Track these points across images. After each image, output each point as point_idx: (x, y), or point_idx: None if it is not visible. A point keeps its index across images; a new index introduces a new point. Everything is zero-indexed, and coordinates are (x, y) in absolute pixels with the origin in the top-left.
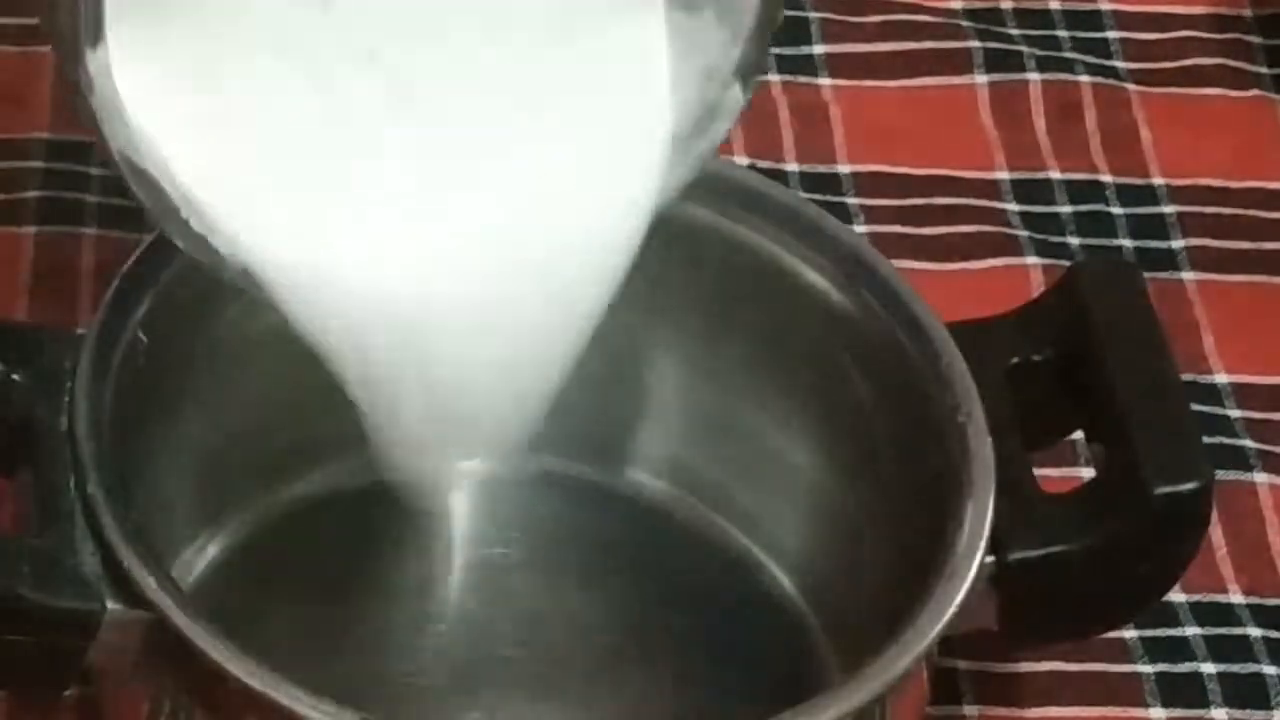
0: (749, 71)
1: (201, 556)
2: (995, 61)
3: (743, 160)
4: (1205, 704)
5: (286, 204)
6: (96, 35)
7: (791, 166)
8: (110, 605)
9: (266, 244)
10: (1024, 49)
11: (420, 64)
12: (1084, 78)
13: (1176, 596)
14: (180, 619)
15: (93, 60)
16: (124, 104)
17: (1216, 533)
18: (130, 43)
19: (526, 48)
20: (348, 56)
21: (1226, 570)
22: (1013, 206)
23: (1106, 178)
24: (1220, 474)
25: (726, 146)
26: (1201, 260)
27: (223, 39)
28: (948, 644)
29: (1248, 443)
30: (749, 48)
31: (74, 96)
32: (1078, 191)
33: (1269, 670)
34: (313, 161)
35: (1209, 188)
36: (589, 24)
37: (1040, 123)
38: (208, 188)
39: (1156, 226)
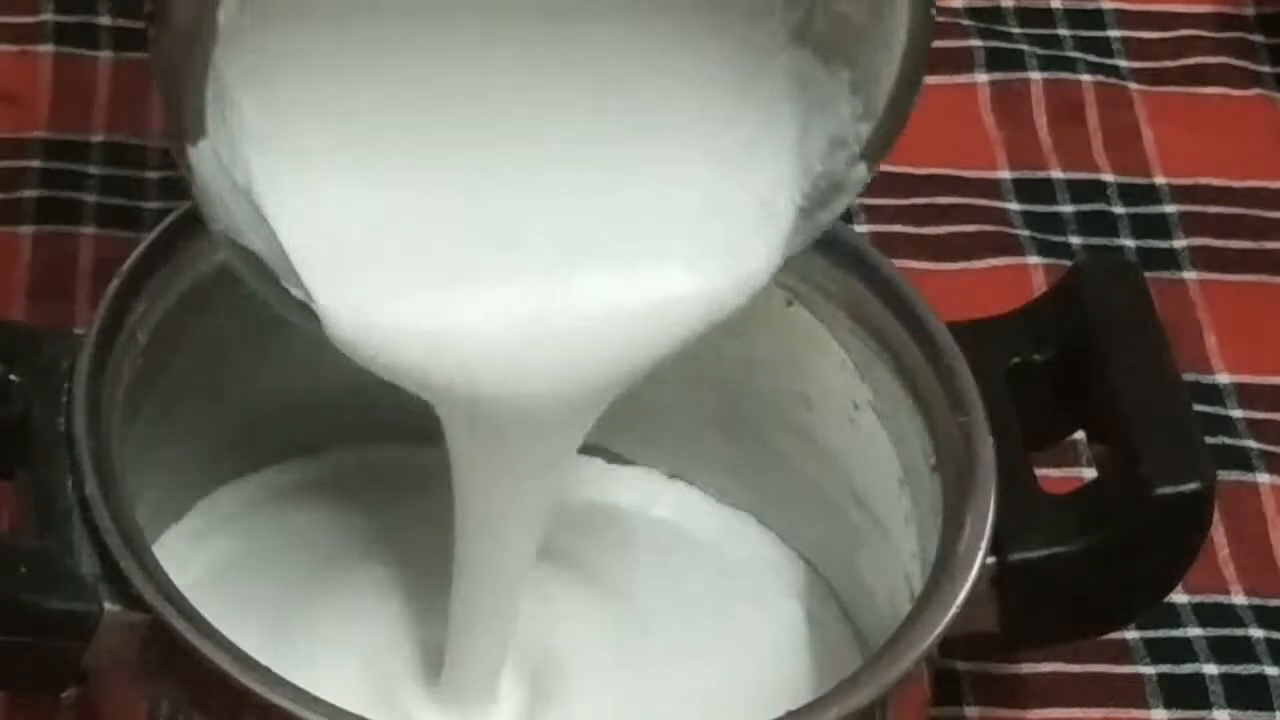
0: (878, 155)
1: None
2: (997, 60)
3: None
4: (1207, 705)
5: (396, 278)
6: (198, 134)
7: None
8: (108, 606)
9: (374, 315)
10: (1025, 48)
11: (541, 142)
12: (1086, 77)
13: (1178, 597)
14: (178, 620)
15: (194, 154)
16: (230, 189)
17: (1218, 533)
18: (259, 131)
19: (653, 131)
20: (466, 140)
21: (1229, 571)
22: (1014, 206)
23: (1108, 177)
24: (1222, 474)
25: None
26: (1203, 260)
27: (345, 126)
28: (949, 645)
29: (1250, 443)
30: (881, 131)
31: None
32: (1079, 191)
33: (1271, 671)
34: (427, 241)
35: (1211, 187)
36: (722, 110)
37: (1042, 122)
38: (318, 264)
39: (1158, 226)
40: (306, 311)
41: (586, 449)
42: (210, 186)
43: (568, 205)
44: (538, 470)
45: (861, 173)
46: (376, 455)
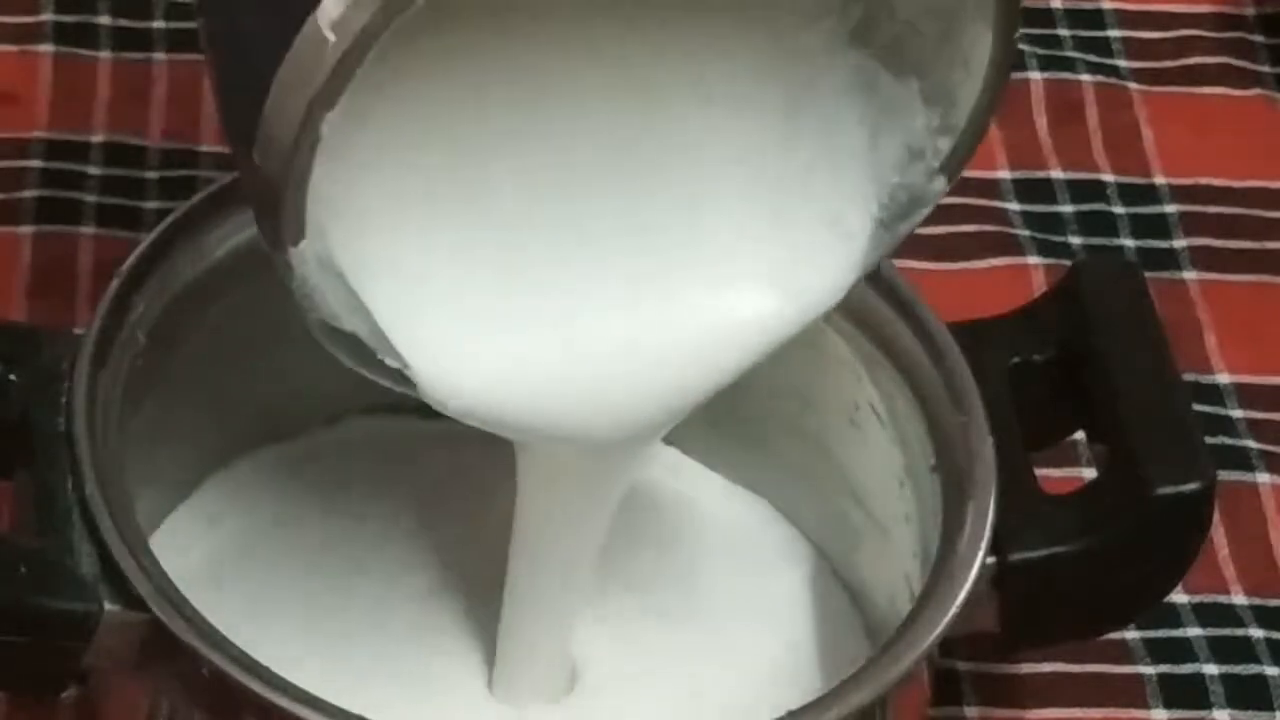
0: (958, 169)
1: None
2: None
3: None
4: (1207, 705)
5: (482, 332)
6: (298, 238)
7: None
8: (108, 606)
9: (466, 373)
10: (1025, 48)
11: (602, 178)
12: (1085, 77)
13: (1178, 597)
14: (178, 621)
15: (294, 254)
16: (329, 279)
17: (1218, 533)
18: (335, 203)
19: (711, 156)
20: (532, 182)
21: (1229, 571)
22: (1014, 206)
23: (1108, 177)
24: (1222, 474)
25: None
26: (1203, 260)
27: (411, 184)
28: (949, 644)
29: (1250, 443)
30: (960, 146)
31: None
32: (1079, 191)
33: (1271, 671)
34: (507, 290)
35: (1211, 187)
36: (779, 129)
37: (1042, 122)
38: (408, 330)
39: (1158, 226)
40: (402, 378)
41: None
42: (309, 279)
43: (633, 238)
44: (604, 490)
45: (941, 185)
46: (389, 425)
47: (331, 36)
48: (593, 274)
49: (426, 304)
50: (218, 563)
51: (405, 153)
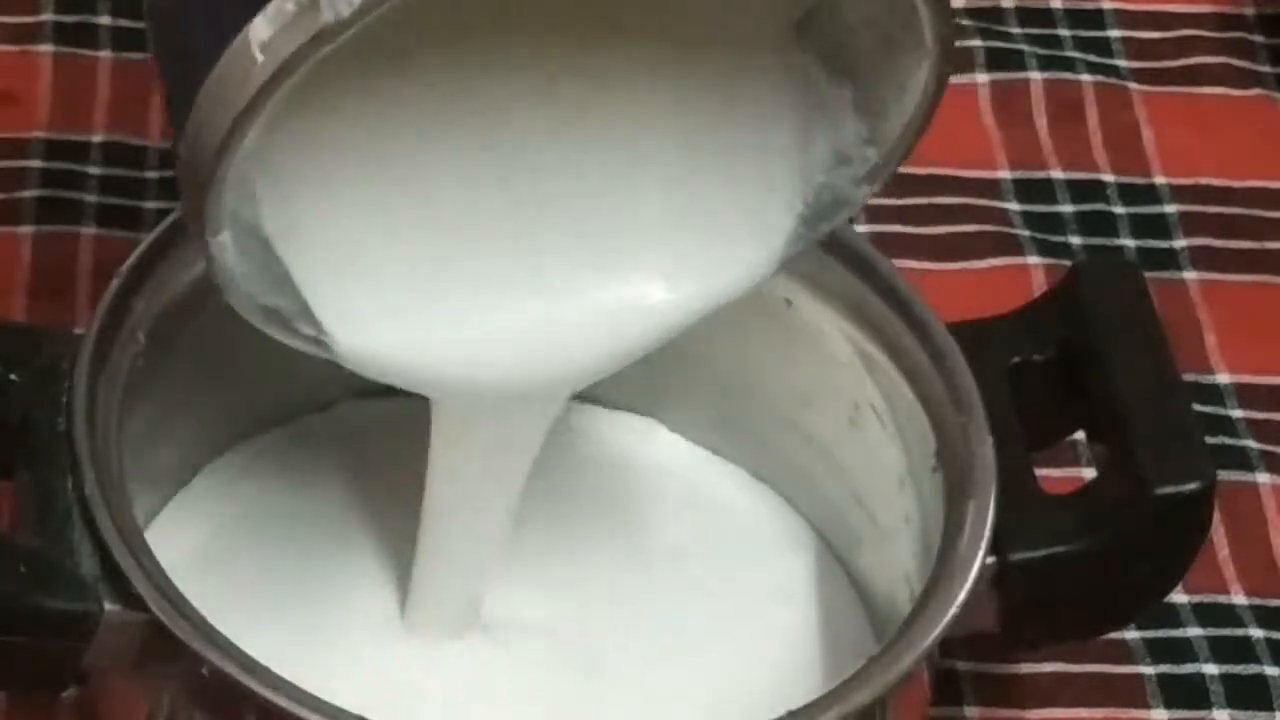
0: (881, 180)
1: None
2: (997, 60)
3: None
4: (1207, 705)
5: (397, 300)
6: (217, 230)
7: None
8: (108, 606)
9: (378, 337)
10: (1025, 48)
11: (528, 156)
12: (1086, 77)
13: (1178, 597)
14: (178, 621)
15: (213, 244)
16: (246, 261)
17: (1218, 533)
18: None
19: (641, 138)
20: (458, 157)
21: (1228, 571)
22: (1014, 206)
23: (1108, 177)
24: (1222, 474)
25: None
26: (1203, 260)
27: (345, 154)
28: (949, 644)
29: (1250, 443)
30: (886, 161)
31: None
32: (1079, 191)
33: (1271, 671)
34: (424, 260)
35: (1211, 187)
36: (713, 116)
37: (1042, 122)
38: (328, 296)
39: (1158, 226)
40: (318, 343)
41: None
42: (230, 269)
43: (558, 218)
44: (510, 448)
45: (865, 192)
46: (388, 408)
47: (260, 57)
48: (514, 251)
49: (349, 270)
50: (212, 550)
51: (339, 128)
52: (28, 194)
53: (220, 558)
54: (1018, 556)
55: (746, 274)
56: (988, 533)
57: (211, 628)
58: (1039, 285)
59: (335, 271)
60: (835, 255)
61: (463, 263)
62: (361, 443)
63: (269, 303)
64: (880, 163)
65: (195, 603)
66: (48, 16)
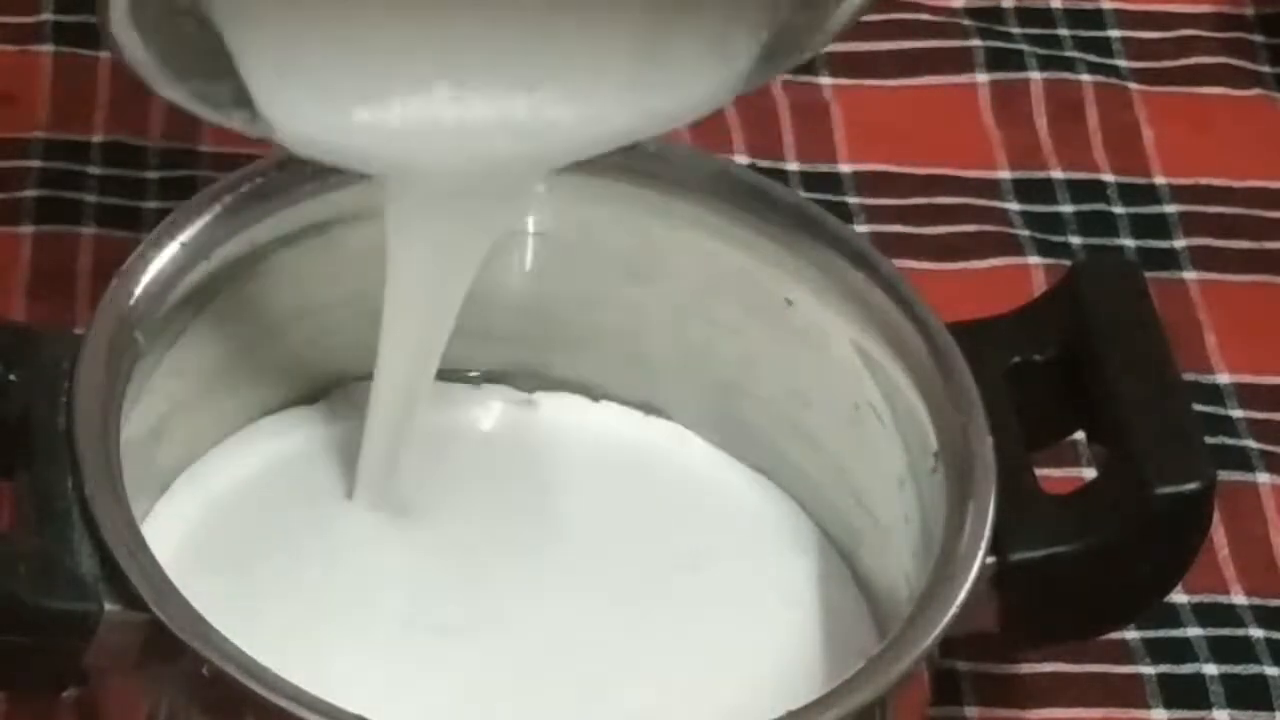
0: (839, 32)
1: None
2: (997, 60)
3: (743, 159)
4: (1207, 705)
5: (337, 82)
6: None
7: (792, 166)
8: (108, 606)
9: (320, 117)
10: (1025, 48)
11: None
12: (1085, 77)
13: (1178, 597)
14: (178, 620)
15: (118, 30)
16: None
17: (1218, 533)
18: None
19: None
20: None
21: (1229, 571)
22: (1014, 206)
23: (1108, 177)
24: (1222, 475)
25: (727, 145)
26: (1203, 260)
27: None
28: (949, 644)
29: (1250, 443)
30: (843, 14)
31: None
32: (1079, 191)
33: (1271, 671)
34: (370, 65)
35: (1211, 187)
36: None
37: (1042, 122)
38: (272, 81)
39: (1158, 226)
40: (250, 124)
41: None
42: (139, 57)
43: (521, 37)
44: (460, 250)
45: (824, 40)
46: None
47: None
48: (475, 58)
49: (298, 57)
50: (205, 546)
51: None
52: (28, 194)
53: (215, 554)
54: (1018, 556)
55: (706, 98)
56: (988, 533)
57: (211, 628)
58: (1039, 285)
59: (284, 57)
60: (836, 255)
61: (425, 70)
62: (360, 440)
63: (166, 95)
64: (839, 14)
65: (192, 600)
66: (48, 16)
